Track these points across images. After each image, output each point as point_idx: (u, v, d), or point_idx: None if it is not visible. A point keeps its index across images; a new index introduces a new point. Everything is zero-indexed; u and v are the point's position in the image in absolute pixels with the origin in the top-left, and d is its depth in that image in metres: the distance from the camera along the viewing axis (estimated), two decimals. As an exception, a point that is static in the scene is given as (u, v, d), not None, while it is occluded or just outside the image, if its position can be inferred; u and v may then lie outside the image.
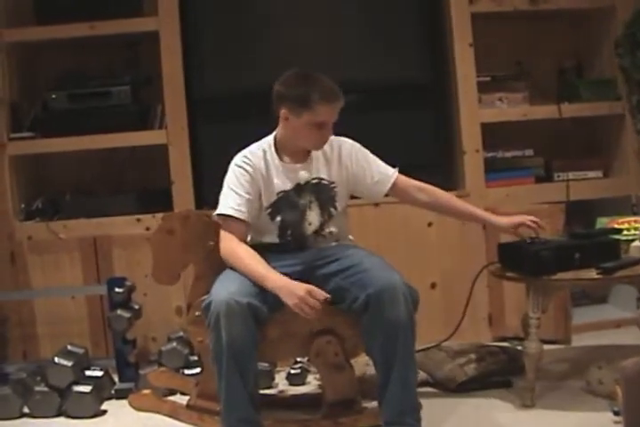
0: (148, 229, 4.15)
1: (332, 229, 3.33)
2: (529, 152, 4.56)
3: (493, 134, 4.39)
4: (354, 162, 3.33)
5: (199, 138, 4.30)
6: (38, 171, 4.62)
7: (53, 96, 4.33)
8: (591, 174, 4.53)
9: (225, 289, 2.99)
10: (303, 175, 3.27)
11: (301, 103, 3.13)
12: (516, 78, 4.57)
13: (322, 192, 3.29)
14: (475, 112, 4.35)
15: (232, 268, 3.15)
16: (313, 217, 3.30)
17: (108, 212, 4.30)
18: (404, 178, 3.43)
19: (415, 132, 4.32)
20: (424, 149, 4.34)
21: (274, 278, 3.05)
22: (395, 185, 3.40)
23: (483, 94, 4.40)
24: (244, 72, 4.22)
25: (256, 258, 3.14)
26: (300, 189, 3.27)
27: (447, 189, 4.34)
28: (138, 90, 4.40)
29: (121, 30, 4.27)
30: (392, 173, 3.40)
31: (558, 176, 4.49)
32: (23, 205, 4.37)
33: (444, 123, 4.45)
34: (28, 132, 4.33)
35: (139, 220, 4.26)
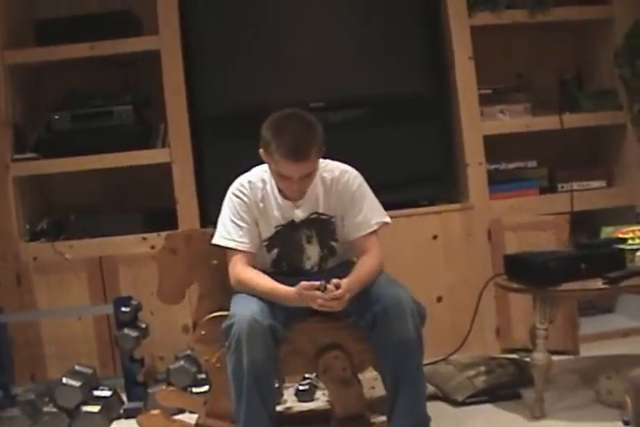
0: (153, 247, 4.15)
1: (335, 263, 3.29)
2: (532, 163, 4.56)
3: (496, 146, 4.39)
4: (349, 196, 3.21)
5: (203, 156, 4.31)
6: (42, 191, 4.63)
7: (56, 117, 4.35)
8: (595, 184, 4.53)
9: (247, 310, 2.97)
10: (299, 214, 3.21)
11: (266, 150, 3.10)
12: (517, 90, 4.58)
13: (321, 227, 3.24)
14: (477, 124, 4.36)
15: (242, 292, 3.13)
16: (312, 252, 3.26)
17: (113, 231, 4.30)
18: (373, 237, 3.22)
19: (418, 146, 4.32)
20: (427, 162, 4.35)
21: (283, 294, 3.05)
22: (363, 238, 3.21)
23: (484, 107, 4.41)
24: (248, 89, 4.22)
25: (261, 276, 3.15)
26: (297, 224, 3.23)
27: (451, 201, 4.39)
28: (140, 109, 4.41)
29: (121, 50, 4.29)
30: (373, 223, 3.21)
31: (562, 187, 4.49)
32: (28, 226, 4.37)
33: (446, 136, 4.45)
34: (32, 153, 4.34)
35: (144, 238, 4.26)
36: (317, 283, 2.96)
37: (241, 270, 3.15)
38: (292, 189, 3.14)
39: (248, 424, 2.98)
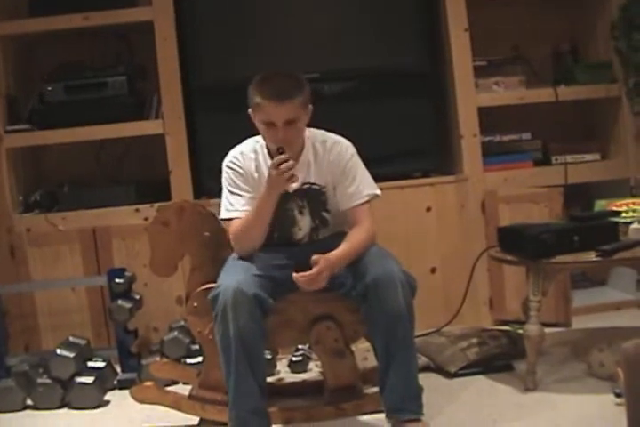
0: (146, 219, 4.13)
1: (326, 233, 3.28)
2: (526, 136, 4.56)
3: (490, 118, 4.38)
4: (341, 167, 3.21)
5: (197, 127, 4.30)
6: (36, 163, 4.62)
7: (49, 88, 4.32)
8: (589, 157, 4.52)
9: (232, 280, 2.98)
10: (292, 185, 3.20)
11: (252, 101, 3.10)
12: (512, 62, 4.56)
13: (312, 197, 3.23)
14: (471, 96, 4.34)
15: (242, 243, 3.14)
16: (304, 223, 3.26)
17: (107, 202, 4.30)
18: (364, 208, 3.21)
19: (413, 118, 4.30)
20: (422, 135, 4.33)
21: (262, 199, 3.09)
22: (355, 208, 3.20)
23: (479, 79, 4.39)
24: (241, 61, 4.20)
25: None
26: (289, 195, 3.21)
27: (445, 173, 4.38)
28: (133, 80, 4.39)
29: (115, 21, 4.26)
30: (365, 195, 3.20)
31: (556, 159, 4.48)
32: (21, 198, 4.37)
33: (441, 107, 4.44)
34: (25, 125, 4.32)
35: (137, 210, 4.26)
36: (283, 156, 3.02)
37: (236, 226, 3.15)
38: (277, 138, 3.09)
39: (238, 394, 2.98)
